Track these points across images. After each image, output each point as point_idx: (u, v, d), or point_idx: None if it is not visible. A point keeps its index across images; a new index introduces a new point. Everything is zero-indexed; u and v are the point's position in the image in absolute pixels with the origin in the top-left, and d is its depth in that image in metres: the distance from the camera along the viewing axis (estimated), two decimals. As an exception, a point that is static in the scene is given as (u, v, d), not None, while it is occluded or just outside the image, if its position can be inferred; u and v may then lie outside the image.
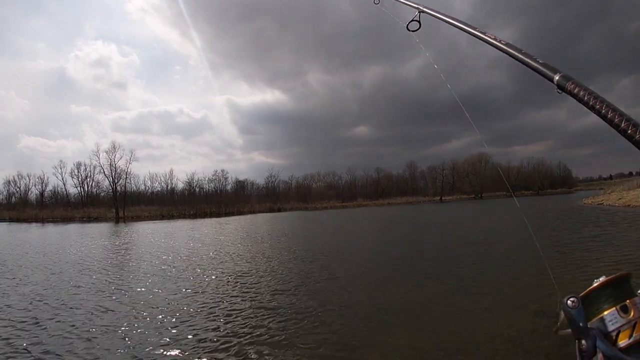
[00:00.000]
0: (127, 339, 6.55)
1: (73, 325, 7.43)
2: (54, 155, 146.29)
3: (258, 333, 6.56)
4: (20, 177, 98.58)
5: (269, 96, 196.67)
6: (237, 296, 9.27)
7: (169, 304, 8.77)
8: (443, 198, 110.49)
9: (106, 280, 11.84)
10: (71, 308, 8.80)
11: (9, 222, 68.88)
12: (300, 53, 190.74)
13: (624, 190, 41.92)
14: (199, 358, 5.66)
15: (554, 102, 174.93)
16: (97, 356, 5.89)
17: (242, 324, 7.09)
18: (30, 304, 9.38)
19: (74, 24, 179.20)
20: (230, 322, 7.27)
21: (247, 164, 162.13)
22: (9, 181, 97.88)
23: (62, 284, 11.64)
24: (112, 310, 8.42)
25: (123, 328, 7.10)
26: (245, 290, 9.81)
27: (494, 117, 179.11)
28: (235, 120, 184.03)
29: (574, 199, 56.40)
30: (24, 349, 6.29)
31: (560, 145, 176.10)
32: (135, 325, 7.27)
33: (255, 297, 9.06)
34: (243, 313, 7.78)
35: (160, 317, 7.73)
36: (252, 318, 7.41)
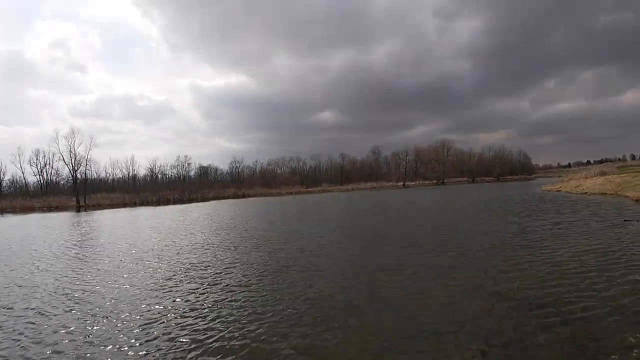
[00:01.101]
0: (79, 339, 6.43)
1: (27, 327, 7.22)
2: (11, 142, 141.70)
3: (217, 330, 6.54)
4: None
5: (233, 80, 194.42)
6: (197, 289, 9.17)
7: (127, 301, 8.55)
8: (406, 184, 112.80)
9: (63, 276, 11.53)
10: (25, 309, 8.51)
11: (-35, 212, 66.27)
12: (268, 37, 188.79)
13: (581, 179, 43.74)
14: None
15: (518, 92, 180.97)
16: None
17: (200, 319, 7.04)
18: None
19: (32, 2, 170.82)
20: (188, 317, 7.21)
21: (210, 149, 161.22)
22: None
23: (15, 281, 11.40)
24: (68, 309, 8.16)
25: (75, 329, 6.93)
26: (206, 283, 9.69)
27: (459, 105, 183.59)
28: (199, 104, 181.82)
29: (533, 186, 58.27)
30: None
31: (523, 134, 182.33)
32: (90, 325, 7.11)
33: (216, 290, 8.96)
34: (203, 308, 7.70)
35: (117, 315, 7.53)
36: (211, 313, 7.34)
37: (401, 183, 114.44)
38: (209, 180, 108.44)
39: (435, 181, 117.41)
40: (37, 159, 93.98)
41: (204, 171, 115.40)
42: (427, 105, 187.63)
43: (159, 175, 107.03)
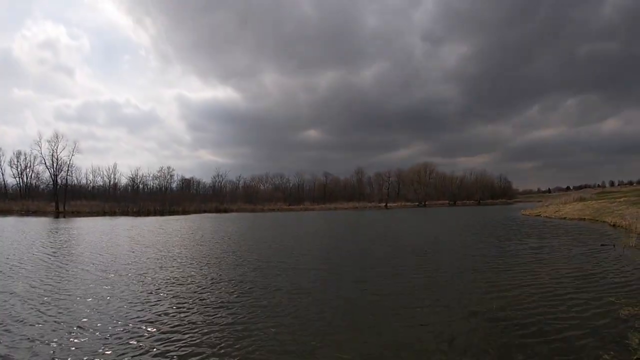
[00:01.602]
0: (56, 350, 6.35)
1: (1, 335, 7.10)
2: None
3: (193, 345, 6.49)
4: None
5: (221, 93, 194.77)
6: (177, 304, 9.06)
7: (106, 312, 8.39)
8: (388, 205, 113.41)
9: (39, 284, 11.28)
10: None
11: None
12: (258, 52, 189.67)
13: (560, 204, 44.48)
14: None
15: (501, 118, 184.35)
16: None
17: (178, 334, 6.98)
18: None
19: (23, 1, 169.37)
20: (166, 332, 7.14)
21: (194, 161, 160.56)
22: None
23: None
24: (45, 319, 8.01)
25: (51, 339, 6.81)
26: (187, 298, 9.53)
27: (443, 129, 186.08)
28: (185, 115, 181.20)
29: (514, 210, 59.02)
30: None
31: (505, 158, 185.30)
32: (67, 336, 7.00)
33: (197, 306, 8.87)
34: (181, 323, 7.59)
35: (95, 326, 7.40)
36: (190, 329, 7.25)
37: (383, 204, 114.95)
38: (191, 193, 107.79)
39: (417, 203, 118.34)
40: (17, 161, 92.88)
41: (186, 184, 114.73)
42: (411, 128, 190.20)
43: (141, 186, 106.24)
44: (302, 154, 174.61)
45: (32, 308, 8.71)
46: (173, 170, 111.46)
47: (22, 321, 7.77)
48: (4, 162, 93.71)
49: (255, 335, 6.76)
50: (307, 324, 7.30)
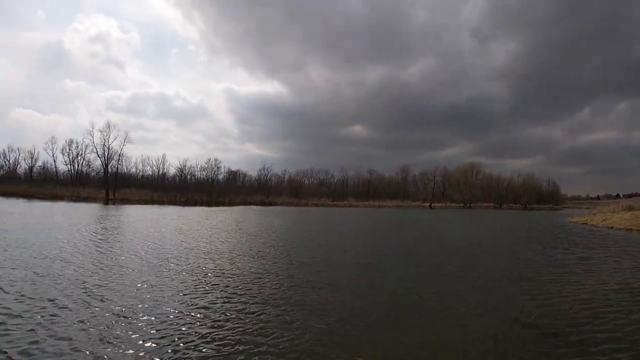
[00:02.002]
0: (94, 336, 6.45)
1: (43, 319, 7.13)
2: (46, 130, 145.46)
3: (233, 340, 6.49)
4: (10, 149, 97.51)
5: (268, 87, 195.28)
6: (220, 297, 9.11)
7: (147, 301, 8.47)
8: (432, 205, 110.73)
9: (84, 269, 11.40)
10: (42, 299, 8.51)
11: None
12: (305, 46, 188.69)
13: (609, 212, 42.41)
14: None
15: (550, 120, 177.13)
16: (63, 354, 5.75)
17: (218, 328, 7.00)
18: None
19: None
20: (206, 324, 7.22)
21: (240, 154, 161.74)
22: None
23: (35, 270, 11.34)
24: (86, 304, 8.09)
25: (91, 325, 6.87)
26: (230, 290, 9.56)
27: (489, 128, 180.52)
28: (233, 109, 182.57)
29: (561, 216, 57.20)
30: None
31: (553, 162, 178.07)
32: (107, 322, 7.08)
33: (239, 299, 8.91)
34: (223, 316, 7.63)
35: (135, 315, 7.48)
36: (231, 322, 7.29)
37: (428, 204, 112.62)
38: (237, 186, 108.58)
39: (462, 204, 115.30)
40: (69, 149, 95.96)
41: (232, 176, 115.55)
42: (457, 126, 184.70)
43: (188, 176, 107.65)
44: (347, 149, 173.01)
45: (81, 291, 8.96)
46: (220, 162, 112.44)
47: (71, 303, 8.00)
48: (56, 149, 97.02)
49: (298, 329, 6.87)
50: (350, 320, 7.38)
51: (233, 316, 7.48)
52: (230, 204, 79.29)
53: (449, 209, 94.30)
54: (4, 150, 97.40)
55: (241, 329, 6.77)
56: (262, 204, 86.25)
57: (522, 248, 18.84)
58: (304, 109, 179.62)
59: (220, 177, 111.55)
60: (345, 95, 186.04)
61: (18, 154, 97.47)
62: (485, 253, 16.64)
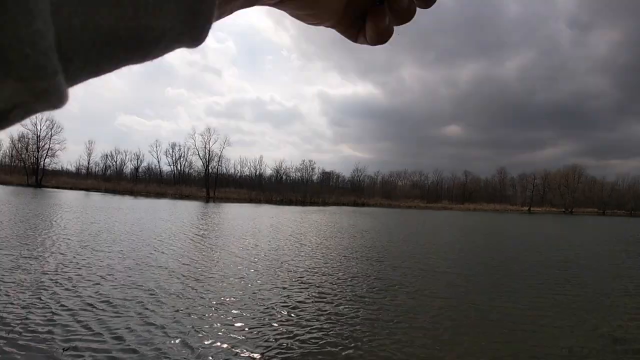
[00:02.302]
0: (187, 326, 6.50)
1: (139, 307, 7.33)
2: (149, 134, 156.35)
3: (328, 342, 6.28)
4: (117, 152, 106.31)
5: (360, 89, 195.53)
6: (317, 296, 8.97)
7: (242, 297, 8.49)
8: (531, 209, 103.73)
9: (183, 261, 11.82)
10: (140, 288, 8.77)
11: (104, 192, 73.25)
12: (396, 45, 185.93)
13: None
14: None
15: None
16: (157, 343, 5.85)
17: (313, 330, 6.79)
18: (102, 278, 9.38)
19: None
20: (302, 325, 7.01)
21: (334, 155, 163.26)
22: (107, 155, 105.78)
23: (138, 260, 11.85)
24: (182, 295, 8.35)
25: (184, 315, 6.98)
26: (321, 291, 9.37)
27: (593, 127, 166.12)
28: (326, 111, 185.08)
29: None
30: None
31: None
32: (202, 314, 7.15)
33: (336, 300, 8.71)
34: (318, 317, 7.43)
35: (229, 309, 7.52)
36: (327, 324, 7.07)
37: (526, 208, 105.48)
38: (331, 186, 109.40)
39: (562, 209, 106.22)
40: (172, 151, 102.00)
41: (326, 176, 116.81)
42: (558, 125, 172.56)
43: (284, 177, 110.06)
44: (442, 150, 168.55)
45: (179, 283, 9.25)
46: (314, 163, 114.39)
47: (169, 294, 8.30)
48: (160, 151, 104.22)
49: (383, 333, 6.65)
50: (436, 329, 7.00)
51: (325, 316, 7.39)
52: (324, 204, 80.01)
53: (548, 214, 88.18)
54: (111, 152, 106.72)
55: (333, 330, 6.68)
56: (355, 204, 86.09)
57: (630, 262, 17.25)
58: (396, 109, 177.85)
59: (315, 177, 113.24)
60: (439, 95, 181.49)
61: (125, 155, 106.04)
62: (589, 267, 15.41)
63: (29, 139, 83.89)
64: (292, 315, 7.24)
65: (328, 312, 7.55)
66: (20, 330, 5.92)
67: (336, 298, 8.60)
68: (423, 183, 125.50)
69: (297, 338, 6.16)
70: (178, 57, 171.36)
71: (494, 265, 14.02)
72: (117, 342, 5.66)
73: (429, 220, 43.60)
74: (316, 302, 8.24)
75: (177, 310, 7.09)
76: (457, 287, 10.35)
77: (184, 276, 9.84)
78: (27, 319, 6.35)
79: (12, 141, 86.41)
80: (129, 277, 9.48)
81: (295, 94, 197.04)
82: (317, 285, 9.70)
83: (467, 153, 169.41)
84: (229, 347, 5.69)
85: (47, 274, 9.30)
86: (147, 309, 7.19)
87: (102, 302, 7.39)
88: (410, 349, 5.93)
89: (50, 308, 6.84)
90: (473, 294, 9.66)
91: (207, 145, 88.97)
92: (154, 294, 8.11)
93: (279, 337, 6.14)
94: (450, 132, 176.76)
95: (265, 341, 5.96)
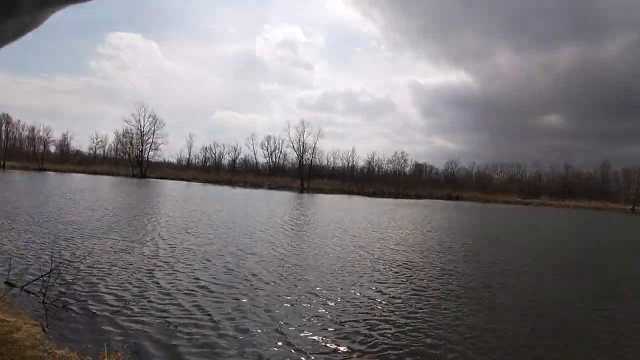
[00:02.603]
0: (287, 310, 6.96)
1: (243, 292, 7.87)
2: (245, 127, 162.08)
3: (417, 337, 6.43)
4: (215, 145, 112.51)
5: (453, 77, 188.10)
6: (415, 292, 8.98)
7: (340, 287, 8.69)
8: (635, 208, 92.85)
9: (282, 250, 12.28)
10: (242, 272, 9.40)
11: (204, 182, 77.03)
12: (489, 30, 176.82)
13: None
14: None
15: None
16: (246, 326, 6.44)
17: (408, 319, 7.03)
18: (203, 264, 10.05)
19: (259, 9, 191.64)
20: (402, 320, 7.13)
21: (427, 147, 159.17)
22: (206, 148, 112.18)
23: (238, 246, 12.52)
24: (280, 281, 8.75)
25: (283, 300, 7.43)
26: (415, 287, 9.34)
27: None
28: (418, 101, 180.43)
29: None
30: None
31: None
32: (299, 300, 7.55)
33: (425, 296, 8.73)
34: (416, 313, 7.51)
35: (325, 298, 7.78)
36: (422, 320, 7.16)
37: (630, 207, 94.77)
38: (424, 179, 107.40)
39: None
40: (267, 144, 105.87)
41: (419, 169, 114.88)
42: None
43: (376, 169, 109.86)
44: (540, 141, 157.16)
45: (280, 268, 9.95)
46: (406, 155, 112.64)
47: (271, 278, 8.94)
48: (256, 144, 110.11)
49: (474, 332, 6.64)
50: (534, 333, 6.93)
51: (421, 310, 7.55)
52: (417, 197, 79.02)
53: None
54: (210, 145, 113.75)
55: (429, 324, 6.82)
56: (449, 198, 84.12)
57: None
58: (492, 98, 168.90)
59: (407, 169, 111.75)
60: (537, 82, 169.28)
61: (223, 148, 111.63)
62: None
63: (132, 134, 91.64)
64: (390, 306, 7.43)
65: (425, 305, 7.69)
66: (134, 307, 6.90)
67: (433, 292, 8.68)
68: (520, 176, 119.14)
69: (393, 330, 6.37)
70: (268, 53, 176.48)
71: (602, 268, 13.80)
72: (228, 322, 6.37)
73: (525, 217, 42.25)
74: (414, 295, 8.38)
75: (279, 295, 7.61)
76: (557, 291, 10.12)
77: (283, 262, 10.46)
78: (141, 297, 7.41)
79: (117, 136, 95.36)
80: (234, 262, 10.24)
81: (386, 85, 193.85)
82: (415, 278, 9.85)
83: (567, 144, 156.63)
84: (329, 342, 6.00)
85: (153, 257, 10.53)
86: (252, 292, 7.84)
87: (204, 286, 8.14)
88: (497, 351, 6.03)
89: (161, 289, 7.88)
90: (575, 299, 9.41)
91: (300, 138, 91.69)
92: (257, 278, 8.74)
93: (374, 327, 6.37)
94: (550, 122, 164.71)
95: (364, 330, 6.24)
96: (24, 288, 7.93)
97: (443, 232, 20.35)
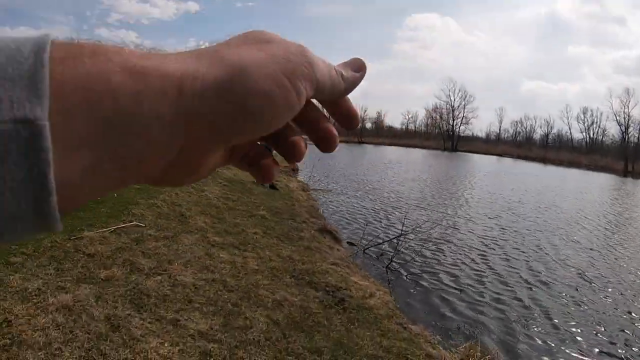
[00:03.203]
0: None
1: (574, 287, 7.53)
2: (556, 98, 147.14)
3: None
4: (526, 118, 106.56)
5: None
6: None
7: None
8: None
9: (605, 244, 11.24)
10: (567, 265, 8.89)
11: (516, 158, 74.28)
12: None
13: None
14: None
15: None
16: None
17: None
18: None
19: None
20: None
21: None
22: (516, 121, 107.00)
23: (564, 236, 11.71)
24: (613, 277, 8.19)
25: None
26: None
27: None
28: None
29: None
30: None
31: None
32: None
33: None
34: None
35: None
36: None
37: None
38: None
39: None
40: (584, 117, 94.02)
41: None
42: None
43: None
44: None
45: (607, 266, 9.16)
46: None
47: (597, 274, 8.37)
48: (571, 117, 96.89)
49: None
50: None
51: None
52: None
53: None
54: (520, 118, 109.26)
55: None
56: None
57: None
58: None
59: None
60: None
61: (534, 121, 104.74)
62: None
63: (442, 109, 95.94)
64: None
65: None
66: (472, 292, 6.87)
67: None
68: None
69: None
70: (572, 11, 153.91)
71: None
72: (560, 317, 6.19)
73: None
74: None
75: (607, 296, 7.13)
76: None
77: (610, 258, 9.65)
78: (478, 281, 7.38)
79: (428, 111, 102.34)
80: (562, 255, 9.61)
81: None
82: None
83: None
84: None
85: (482, 237, 10.54)
86: (583, 286, 7.51)
87: (541, 280, 7.77)
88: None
89: (496, 275, 7.75)
90: None
91: (624, 110, 77.95)
92: (581, 274, 8.21)
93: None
94: None
95: None
96: (366, 251, 8.24)
97: None
